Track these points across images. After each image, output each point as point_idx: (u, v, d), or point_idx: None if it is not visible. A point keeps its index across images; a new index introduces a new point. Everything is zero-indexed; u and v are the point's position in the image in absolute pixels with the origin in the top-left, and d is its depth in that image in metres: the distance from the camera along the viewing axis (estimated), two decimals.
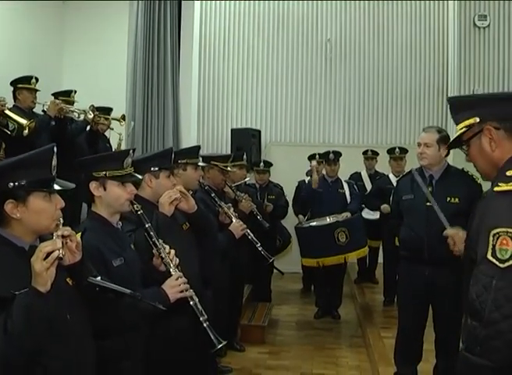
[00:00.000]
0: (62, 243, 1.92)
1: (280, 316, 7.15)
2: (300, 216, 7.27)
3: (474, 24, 8.72)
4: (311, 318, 6.98)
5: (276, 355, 5.78)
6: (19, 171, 1.97)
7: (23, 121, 5.02)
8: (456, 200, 3.97)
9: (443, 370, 4.16)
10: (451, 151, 4.06)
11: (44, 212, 2.01)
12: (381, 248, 7.61)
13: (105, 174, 2.64)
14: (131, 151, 2.78)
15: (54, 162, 2.07)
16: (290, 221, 7.69)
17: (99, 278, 2.11)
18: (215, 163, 4.80)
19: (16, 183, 1.95)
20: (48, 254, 1.83)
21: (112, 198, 2.66)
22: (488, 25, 8.71)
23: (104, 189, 2.66)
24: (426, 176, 4.14)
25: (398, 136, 9.67)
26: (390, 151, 7.25)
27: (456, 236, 3.19)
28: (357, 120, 9.87)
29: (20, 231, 2.01)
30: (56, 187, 2.06)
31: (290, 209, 7.57)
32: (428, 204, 3.95)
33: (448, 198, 3.96)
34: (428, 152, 4.05)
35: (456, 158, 5.31)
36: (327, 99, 9.88)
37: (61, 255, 1.86)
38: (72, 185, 2.19)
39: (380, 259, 7.71)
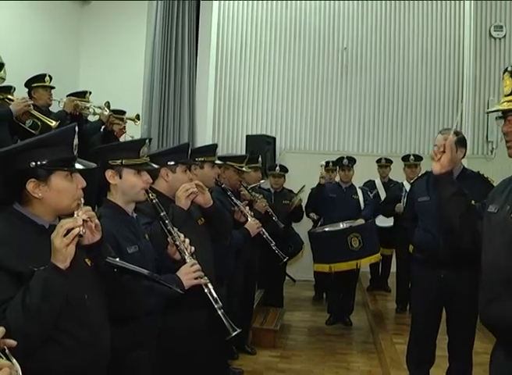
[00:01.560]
0: (83, 222, 1.93)
1: (292, 321, 7.13)
2: (312, 214, 7.27)
3: (490, 35, 8.77)
4: (323, 324, 6.96)
5: (287, 359, 5.77)
6: (40, 150, 1.99)
7: (47, 119, 5.07)
8: (472, 202, 3.96)
9: (457, 374, 4.14)
10: (466, 155, 4.09)
11: (65, 192, 2.02)
12: (394, 256, 7.60)
13: (121, 162, 2.66)
14: (147, 140, 2.81)
15: (75, 142, 2.09)
16: (303, 227, 7.68)
17: (117, 259, 2.14)
18: (231, 163, 4.84)
19: (38, 163, 1.96)
20: (69, 231, 1.85)
21: (127, 186, 2.69)
22: (504, 35, 8.76)
23: (120, 177, 2.68)
24: None
25: (412, 145, 9.66)
26: (405, 158, 7.25)
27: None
28: (371, 129, 9.89)
29: (41, 210, 2.02)
30: (78, 166, 2.07)
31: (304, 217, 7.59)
32: None
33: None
34: None
35: (470, 163, 5.34)
36: (342, 108, 9.90)
37: (81, 233, 1.88)
38: (94, 165, 2.22)
39: (393, 268, 7.68)
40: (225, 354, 4.90)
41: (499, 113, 2.42)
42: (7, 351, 1.46)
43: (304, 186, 7.16)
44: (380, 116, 9.88)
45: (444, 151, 2.74)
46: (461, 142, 4.01)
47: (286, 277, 8.18)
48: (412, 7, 9.83)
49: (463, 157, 4.05)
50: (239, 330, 2.67)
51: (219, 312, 2.65)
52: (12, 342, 1.50)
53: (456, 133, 4.11)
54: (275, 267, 6.54)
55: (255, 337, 6.11)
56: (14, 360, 1.44)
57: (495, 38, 8.80)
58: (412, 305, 4.86)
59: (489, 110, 2.42)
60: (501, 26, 8.77)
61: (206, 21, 8.88)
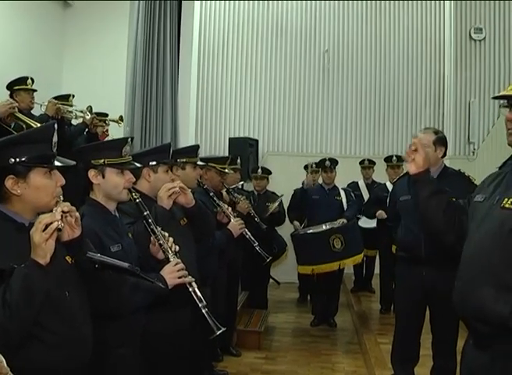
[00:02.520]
0: (62, 217, 1.92)
1: (276, 323, 7.13)
2: (295, 222, 7.28)
3: (470, 37, 8.86)
4: (308, 326, 6.96)
5: (272, 361, 5.76)
6: (20, 147, 1.98)
7: (33, 123, 5.03)
8: (453, 200, 3.98)
9: (441, 371, 4.15)
10: (446, 153, 4.12)
11: (44, 189, 2.02)
12: (377, 257, 7.63)
13: (104, 162, 2.65)
14: (129, 139, 2.80)
15: (55, 139, 2.08)
16: (286, 229, 7.68)
17: (98, 255, 2.12)
18: (213, 165, 4.83)
19: (17, 159, 1.96)
20: (47, 226, 1.84)
21: (110, 185, 2.68)
22: (484, 38, 8.84)
23: (103, 177, 2.67)
24: None
25: (395, 147, 9.71)
26: (387, 159, 7.28)
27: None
28: (353, 131, 9.94)
29: (20, 208, 2.01)
30: (57, 163, 2.07)
31: (287, 219, 7.60)
32: None
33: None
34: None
35: (452, 163, 5.37)
36: (324, 109, 9.95)
37: (60, 227, 1.87)
38: (73, 162, 2.21)
39: (377, 269, 7.71)
40: (210, 355, 4.89)
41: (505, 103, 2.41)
42: None
43: (282, 195, 7.15)
44: (362, 118, 9.94)
45: (416, 150, 2.76)
46: (441, 141, 4.05)
47: (271, 280, 8.18)
48: (393, 9, 9.93)
49: (443, 156, 4.08)
50: (223, 329, 2.67)
51: (203, 311, 2.65)
52: None
53: (436, 132, 4.13)
54: (259, 269, 6.54)
55: (240, 338, 6.09)
56: None
57: (475, 40, 8.87)
58: (396, 303, 4.88)
59: (495, 95, 2.43)
60: (481, 29, 8.85)
61: (188, 21, 8.85)
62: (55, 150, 2.09)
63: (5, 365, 1.45)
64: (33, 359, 1.87)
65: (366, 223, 7.22)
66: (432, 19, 9.85)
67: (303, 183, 7.56)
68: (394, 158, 7.20)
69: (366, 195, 7.63)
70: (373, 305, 7.40)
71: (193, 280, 2.73)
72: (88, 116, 5.81)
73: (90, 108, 5.87)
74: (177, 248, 2.76)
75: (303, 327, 6.96)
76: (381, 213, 6.51)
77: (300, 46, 9.98)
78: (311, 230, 6.56)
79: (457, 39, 8.98)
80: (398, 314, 4.49)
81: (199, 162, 4.23)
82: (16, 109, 4.90)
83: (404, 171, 6.94)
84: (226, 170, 4.93)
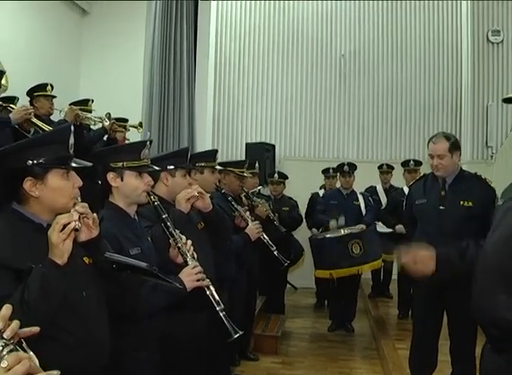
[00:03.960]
0: (79, 218, 1.94)
1: (293, 328, 7.11)
2: (314, 230, 7.26)
3: (488, 39, 8.79)
4: (325, 331, 6.93)
5: (290, 366, 5.75)
6: (37, 149, 2.00)
7: (49, 129, 5.07)
8: (470, 203, 3.95)
9: None
10: (466, 161, 4.09)
11: (61, 190, 2.04)
12: (395, 262, 7.58)
13: (123, 165, 2.67)
14: (148, 142, 2.81)
15: (71, 141, 2.10)
16: (302, 234, 7.67)
17: (116, 255, 2.14)
18: (232, 169, 4.84)
19: (35, 161, 1.98)
20: (65, 226, 1.87)
21: (129, 188, 2.69)
22: (502, 40, 8.77)
23: (122, 180, 2.69)
24: (439, 181, 4.14)
25: (412, 151, 9.67)
26: (405, 163, 7.24)
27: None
28: (371, 135, 9.92)
29: (38, 209, 2.03)
30: (73, 164, 2.09)
31: (303, 223, 7.59)
32: (441, 208, 3.96)
33: (461, 202, 3.96)
34: (443, 163, 4.01)
35: (471, 168, 5.31)
36: (341, 114, 9.93)
37: (77, 227, 1.89)
38: (89, 164, 2.23)
39: (394, 274, 7.66)
40: (227, 359, 4.88)
41: None
42: (24, 344, 1.46)
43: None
44: (379, 122, 9.91)
45: None
46: (455, 146, 4.04)
47: (288, 285, 8.17)
48: (409, 13, 9.90)
49: (459, 159, 4.07)
50: (241, 333, 2.67)
51: (221, 314, 2.65)
52: (35, 329, 1.50)
53: (447, 137, 4.10)
54: (277, 274, 6.53)
55: (257, 343, 6.09)
56: (31, 352, 1.44)
57: (492, 43, 8.81)
58: (413, 309, 4.84)
59: (505, 97, 2.43)
60: (498, 31, 8.78)
61: (204, 24, 8.88)
62: (71, 152, 2.10)
63: (39, 365, 1.44)
64: (50, 360, 1.86)
65: (384, 227, 7.18)
66: (448, 21, 9.82)
67: (321, 187, 7.56)
68: (411, 162, 7.16)
69: (384, 200, 7.58)
70: (391, 311, 7.36)
71: (211, 283, 2.72)
72: (107, 123, 5.84)
73: (108, 115, 5.89)
74: (195, 254, 2.76)
75: (320, 332, 6.94)
76: (400, 228, 6.44)
77: (317, 50, 9.99)
78: (329, 235, 6.53)
79: (475, 41, 8.92)
80: (415, 319, 4.46)
81: (217, 167, 4.24)
82: (32, 115, 4.95)
83: (421, 174, 6.95)
84: (245, 174, 4.94)
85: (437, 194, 4.09)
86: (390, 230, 7.07)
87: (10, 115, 4.76)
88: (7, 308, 1.46)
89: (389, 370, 5.16)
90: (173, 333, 2.92)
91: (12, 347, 1.38)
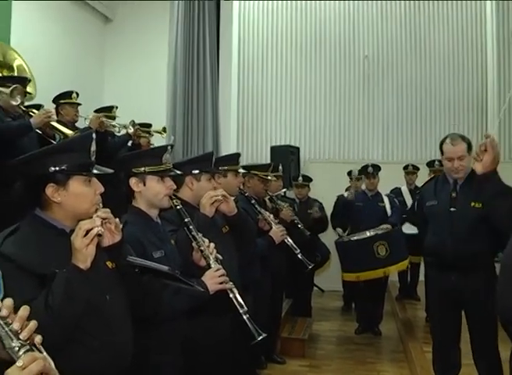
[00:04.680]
0: (102, 223, 1.97)
1: (320, 331, 7.08)
2: (339, 229, 7.23)
3: None
4: (352, 334, 6.90)
5: (317, 369, 5.73)
6: (59, 156, 2.04)
7: (69, 132, 5.14)
8: (480, 205, 3.91)
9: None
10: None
11: (83, 196, 2.07)
12: (422, 263, 7.51)
13: (144, 170, 2.70)
14: (169, 146, 2.83)
15: (93, 148, 2.14)
16: (329, 237, 7.65)
17: (138, 259, 2.16)
18: (256, 172, 4.85)
19: (57, 168, 2.02)
20: (88, 232, 1.90)
21: (151, 193, 2.73)
22: None
23: (144, 184, 2.72)
24: (450, 182, 4.11)
25: (438, 152, 9.51)
26: (430, 164, 7.19)
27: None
28: (396, 136, 9.84)
29: (61, 215, 2.06)
30: (95, 171, 2.12)
31: (330, 227, 7.57)
32: (451, 209, 3.94)
33: (472, 203, 3.92)
34: (463, 164, 3.98)
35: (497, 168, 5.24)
36: (365, 115, 9.87)
37: (100, 232, 1.92)
38: (111, 170, 2.26)
39: (421, 276, 7.59)
40: (253, 363, 4.88)
41: None
42: (39, 345, 1.49)
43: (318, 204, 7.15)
44: (404, 123, 9.83)
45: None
46: (470, 146, 4.02)
47: (315, 288, 8.15)
48: (433, 13, 9.79)
49: None
50: (264, 335, 2.67)
51: (244, 317, 2.66)
52: (39, 337, 1.53)
53: (462, 138, 4.07)
54: (303, 277, 6.53)
55: (284, 346, 6.08)
56: (45, 353, 1.48)
57: None
58: (429, 310, 4.79)
59: None
60: None
61: (227, 26, 8.96)
62: (93, 158, 2.14)
63: (54, 366, 1.48)
64: (74, 363, 1.90)
65: (410, 228, 7.11)
66: (473, 20, 9.70)
67: (346, 189, 7.54)
68: (436, 163, 7.10)
69: (409, 201, 7.52)
70: (418, 313, 7.27)
71: (234, 286, 2.74)
72: (131, 130, 5.90)
73: (133, 123, 5.95)
74: (218, 256, 2.78)
75: (347, 335, 6.91)
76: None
77: (340, 52, 9.95)
78: (355, 237, 6.51)
79: (499, 40, 8.86)
80: (432, 321, 4.44)
81: (241, 170, 4.26)
82: (52, 119, 5.00)
83: None
84: (269, 177, 4.94)
85: (447, 196, 4.06)
86: (416, 231, 7.01)
87: (31, 119, 4.82)
88: (24, 310, 1.50)
89: (417, 374, 5.11)
90: (196, 337, 2.94)
91: (28, 347, 1.42)
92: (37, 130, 4.90)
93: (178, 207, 2.81)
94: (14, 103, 4.47)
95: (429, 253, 4.27)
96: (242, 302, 2.70)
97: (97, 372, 1.99)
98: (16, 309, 1.51)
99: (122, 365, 2.13)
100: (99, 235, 1.94)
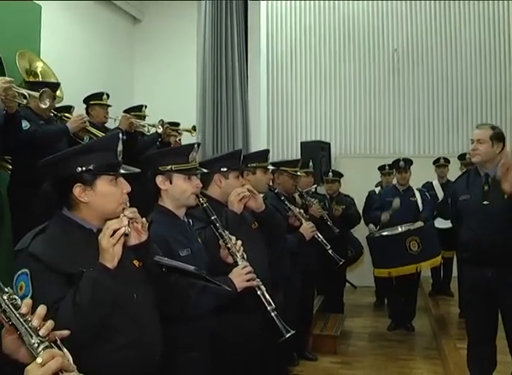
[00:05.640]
0: (129, 222, 1.98)
1: (352, 327, 7.06)
2: (371, 225, 7.18)
3: None
4: (384, 330, 6.86)
5: (349, 365, 5.70)
6: (87, 156, 2.05)
7: (101, 134, 5.19)
8: None
9: None
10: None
11: (110, 196, 2.08)
12: (455, 259, 7.42)
13: (171, 168, 2.70)
14: (196, 145, 2.83)
15: (120, 148, 2.15)
16: (361, 232, 7.60)
17: (165, 258, 2.17)
18: (285, 169, 4.83)
19: (84, 168, 2.03)
20: (115, 231, 1.91)
21: (177, 191, 2.73)
22: None
23: (170, 183, 2.73)
24: (481, 175, 4.03)
25: (470, 144, 9.37)
26: (461, 157, 7.11)
27: None
28: (427, 130, 9.74)
29: (88, 215, 2.08)
30: (122, 171, 2.13)
31: (361, 221, 7.52)
32: (484, 203, 3.87)
33: (505, 196, 3.84)
34: (480, 149, 3.93)
35: None
36: (396, 109, 9.80)
37: (127, 232, 1.93)
38: (138, 170, 2.27)
39: (455, 271, 7.49)
40: (285, 360, 4.88)
41: None
42: (58, 341, 1.52)
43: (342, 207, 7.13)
44: (435, 116, 9.73)
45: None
46: (498, 136, 3.94)
47: (347, 284, 8.11)
48: (464, 5, 9.68)
49: (501, 151, 3.95)
50: (292, 332, 2.66)
51: (272, 314, 2.66)
52: (65, 332, 1.56)
53: (493, 127, 4.02)
54: (335, 273, 6.50)
55: (315, 343, 6.07)
56: (65, 350, 1.50)
57: None
58: (463, 306, 4.72)
59: None
60: None
61: (255, 24, 8.90)
62: (120, 158, 2.15)
63: (72, 362, 1.50)
64: (103, 360, 1.92)
65: (442, 223, 7.03)
66: (504, 13, 9.58)
67: (377, 185, 7.49)
68: (468, 156, 6.99)
69: (440, 195, 7.44)
70: (452, 309, 7.16)
71: (261, 283, 2.73)
72: (160, 130, 5.93)
73: (162, 122, 5.99)
74: (244, 255, 2.77)
75: (379, 332, 6.87)
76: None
77: (369, 46, 9.88)
78: (386, 233, 6.46)
79: None
80: (466, 318, 4.36)
81: (270, 167, 4.25)
82: (88, 124, 5.08)
83: None
84: (298, 173, 4.93)
85: (480, 189, 3.99)
86: (449, 226, 6.94)
87: (67, 124, 4.91)
88: (42, 308, 1.53)
89: (451, 371, 5.04)
90: (225, 334, 2.94)
91: (46, 344, 1.45)
92: None
93: (204, 205, 2.81)
94: (43, 106, 4.53)
95: (464, 248, 4.20)
96: (269, 299, 2.70)
97: (126, 370, 2.01)
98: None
99: (151, 363, 2.14)
100: (126, 235, 1.95)
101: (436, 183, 7.73)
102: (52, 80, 5.62)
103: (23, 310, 1.50)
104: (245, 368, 3.12)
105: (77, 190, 2.03)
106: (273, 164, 4.98)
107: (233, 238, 2.78)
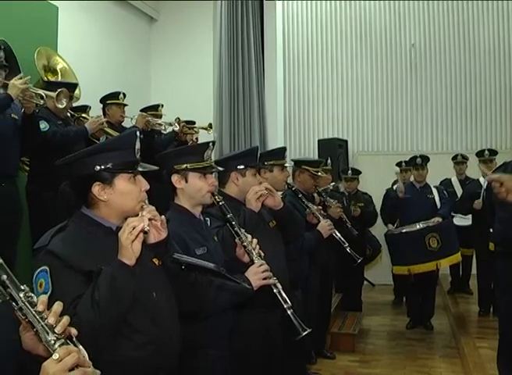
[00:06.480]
0: (148, 220, 1.99)
1: (371, 325, 7.04)
2: (390, 225, 7.15)
3: None
4: (403, 328, 6.82)
5: (367, 364, 5.68)
6: (105, 155, 2.07)
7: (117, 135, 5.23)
8: None
9: None
10: None
11: (129, 194, 2.09)
12: (474, 257, 7.36)
13: (186, 167, 2.71)
14: (211, 143, 2.83)
15: (137, 146, 2.15)
16: (379, 230, 7.58)
17: (184, 256, 2.18)
18: (306, 168, 4.82)
19: (103, 166, 2.04)
20: (134, 228, 1.91)
21: (193, 189, 2.73)
22: None
23: (186, 181, 2.73)
24: None
25: (488, 140, 9.35)
26: (479, 153, 7.04)
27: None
28: (445, 126, 9.64)
29: (107, 212, 2.09)
30: (140, 169, 2.14)
31: (379, 219, 7.49)
32: None
33: None
34: None
35: None
36: (413, 106, 9.72)
37: (145, 229, 1.93)
38: (155, 167, 2.28)
39: (474, 269, 7.44)
40: (302, 358, 4.87)
41: None
42: (74, 338, 1.53)
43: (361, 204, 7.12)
44: (453, 112, 9.62)
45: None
46: None
47: (365, 282, 8.09)
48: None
49: None
50: (309, 330, 2.65)
51: (289, 312, 2.66)
52: (74, 331, 1.56)
53: None
54: (353, 271, 6.49)
55: (334, 341, 6.06)
56: (80, 346, 1.52)
57: None
58: (497, 303, 4.64)
59: None
60: None
61: (270, 23, 8.89)
62: (138, 156, 2.15)
63: (88, 359, 1.51)
64: (123, 358, 1.93)
65: (461, 220, 6.99)
66: None
67: (393, 184, 7.45)
68: (486, 152, 6.95)
69: (459, 192, 7.38)
70: (471, 307, 7.12)
71: (277, 281, 2.73)
72: (177, 128, 5.95)
73: (178, 120, 6.01)
74: (261, 253, 2.76)
75: (398, 330, 6.83)
76: (478, 203, 6.35)
77: (386, 41, 9.82)
78: (405, 230, 6.42)
79: None
80: (500, 315, 4.28)
81: (287, 164, 4.25)
82: (105, 125, 5.11)
83: (497, 165, 6.70)
84: (319, 174, 4.91)
85: None
86: (467, 223, 6.89)
87: (86, 125, 4.94)
88: (58, 305, 1.54)
89: (470, 370, 4.98)
90: (244, 331, 2.94)
91: (62, 340, 1.46)
92: None
93: (220, 203, 2.82)
94: (60, 106, 4.58)
95: (499, 242, 4.15)
96: (286, 297, 2.69)
97: (146, 368, 2.01)
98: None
99: (170, 361, 2.14)
100: (145, 232, 1.96)
101: (455, 180, 7.69)
102: (72, 79, 5.67)
103: (39, 308, 1.51)
104: (263, 366, 3.11)
105: (96, 188, 2.05)
106: (295, 162, 4.98)
107: (249, 236, 2.77)
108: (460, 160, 7.70)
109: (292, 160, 5.16)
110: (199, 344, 2.55)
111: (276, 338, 3.30)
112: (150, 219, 2.01)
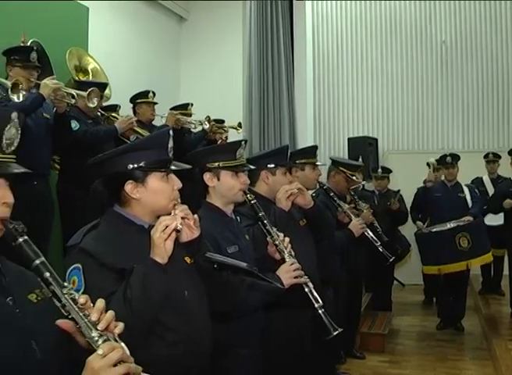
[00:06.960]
0: (181, 218, 1.99)
1: (401, 325, 6.97)
2: (419, 223, 7.08)
3: None
4: (433, 329, 6.74)
5: (397, 364, 5.62)
6: (137, 153, 2.07)
7: (147, 134, 5.25)
8: None
9: None
10: None
11: (161, 192, 2.09)
12: (506, 257, 7.26)
13: (219, 165, 2.71)
14: (243, 142, 2.84)
15: (170, 144, 2.16)
16: (409, 229, 7.51)
17: (217, 255, 2.18)
18: (344, 170, 4.80)
19: (135, 165, 2.05)
20: (167, 227, 1.92)
21: (225, 187, 2.74)
22: None
23: (218, 179, 2.74)
24: None
25: None
26: (511, 152, 6.94)
27: None
28: (476, 124, 9.48)
29: (140, 211, 2.10)
30: (172, 167, 2.15)
31: (409, 219, 7.44)
32: None
33: None
34: None
35: None
36: (444, 103, 9.58)
37: (178, 228, 1.94)
38: (188, 166, 2.29)
39: (506, 270, 7.33)
40: (332, 357, 4.85)
41: None
42: (116, 335, 1.52)
43: (398, 190, 7.04)
44: (484, 110, 9.46)
45: None
46: None
47: (395, 282, 8.03)
48: None
49: None
50: (340, 330, 2.65)
51: (320, 311, 2.66)
52: (121, 324, 1.56)
53: None
54: (383, 270, 6.44)
55: (363, 341, 6.02)
56: (122, 343, 1.51)
57: None
58: None
59: None
60: None
61: (300, 22, 8.85)
62: (171, 155, 2.16)
63: (129, 354, 1.51)
64: (154, 357, 1.93)
65: (492, 220, 6.89)
66: None
67: (424, 182, 7.39)
68: None
69: (491, 191, 7.28)
70: (503, 309, 7.00)
71: (309, 280, 2.72)
72: (207, 126, 5.97)
73: (208, 118, 6.02)
74: (292, 252, 2.76)
75: (428, 331, 6.75)
76: (508, 202, 6.25)
77: (416, 38, 9.68)
78: (435, 229, 6.35)
79: None
80: None
81: (318, 163, 4.24)
82: (135, 124, 5.14)
83: None
84: (354, 178, 4.87)
85: None
86: (499, 223, 6.79)
87: (116, 124, 4.97)
88: (101, 302, 1.53)
89: (502, 373, 4.91)
90: (276, 330, 2.94)
91: (105, 337, 1.46)
92: None
93: (252, 202, 2.82)
94: (91, 105, 4.63)
95: None
96: (317, 297, 2.69)
97: (177, 367, 2.01)
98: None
99: (202, 358, 2.14)
100: (177, 231, 1.96)
101: (486, 179, 7.59)
102: (103, 79, 5.72)
103: (84, 305, 1.51)
104: (294, 365, 3.10)
105: (129, 186, 2.05)
106: (332, 161, 4.95)
107: (281, 235, 2.77)
108: (491, 159, 7.60)
109: (330, 158, 5.13)
110: (230, 343, 2.54)
111: (307, 337, 3.29)
112: (182, 218, 2.01)
